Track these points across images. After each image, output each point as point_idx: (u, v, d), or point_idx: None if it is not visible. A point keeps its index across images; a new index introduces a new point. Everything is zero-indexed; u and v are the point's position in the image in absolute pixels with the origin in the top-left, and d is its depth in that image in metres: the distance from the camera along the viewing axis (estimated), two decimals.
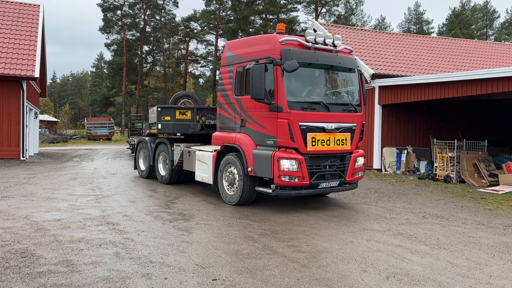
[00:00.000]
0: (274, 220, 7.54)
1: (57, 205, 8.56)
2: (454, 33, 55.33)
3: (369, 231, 6.92)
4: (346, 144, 8.42)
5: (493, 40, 60.29)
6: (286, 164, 7.71)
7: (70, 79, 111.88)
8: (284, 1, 52.86)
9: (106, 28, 56.56)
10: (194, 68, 66.34)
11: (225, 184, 9.03)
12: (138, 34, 58.07)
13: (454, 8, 65.38)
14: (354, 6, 57.83)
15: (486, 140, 13.84)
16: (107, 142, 40.91)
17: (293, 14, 53.31)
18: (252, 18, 52.52)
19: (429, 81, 13.41)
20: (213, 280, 4.63)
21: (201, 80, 71.94)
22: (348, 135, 8.44)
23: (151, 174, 12.56)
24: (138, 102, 56.85)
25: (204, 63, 64.46)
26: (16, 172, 14.04)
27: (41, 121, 39.29)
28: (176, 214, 7.93)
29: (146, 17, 57.77)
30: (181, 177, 11.55)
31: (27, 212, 7.78)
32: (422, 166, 14.91)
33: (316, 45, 8.24)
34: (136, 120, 33.94)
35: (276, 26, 8.56)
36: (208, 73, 66.37)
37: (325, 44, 8.40)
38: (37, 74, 17.10)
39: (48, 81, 43.25)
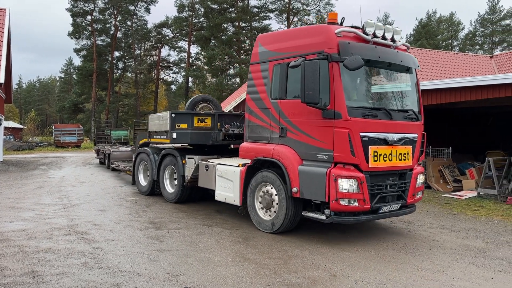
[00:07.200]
0: (246, 228, 7.57)
1: (23, 214, 8.31)
2: (421, 43, 57.22)
3: (339, 236, 7.05)
4: (408, 159, 6.94)
5: (458, 50, 62.71)
6: (345, 184, 6.22)
7: (37, 85, 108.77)
8: (256, 10, 53.41)
9: (75, 33, 55.41)
10: (166, 74, 65.95)
11: (258, 206, 7.47)
12: (108, 40, 57.21)
13: (421, 19, 67.71)
14: (325, 16, 58.98)
15: (450, 147, 14.37)
16: (76, 149, 39.85)
17: (266, 22, 54.08)
18: (225, 25, 52.75)
19: None
20: None
21: (173, 87, 71.47)
22: (410, 148, 6.97)
23: (154, 191, 10.78)
24: (108, 108, 55.83)
25: (177, 70, 64.27)
26: None
27: (5, 128, 37.94)
28: (146, 222, 7.85)
29: (117, 22, 57.03)
30: (192, 194, 9.92)
31: None
32: None
33: (375, 39, 6.82)
34: (105, 126, 33.31)
35: (328, 15, 7.07)
36: (180, 80, 66.14)
37: (385, 38, 6.97)
38: (2, 79, 16.60)
39: (14, 86, 41.81)
